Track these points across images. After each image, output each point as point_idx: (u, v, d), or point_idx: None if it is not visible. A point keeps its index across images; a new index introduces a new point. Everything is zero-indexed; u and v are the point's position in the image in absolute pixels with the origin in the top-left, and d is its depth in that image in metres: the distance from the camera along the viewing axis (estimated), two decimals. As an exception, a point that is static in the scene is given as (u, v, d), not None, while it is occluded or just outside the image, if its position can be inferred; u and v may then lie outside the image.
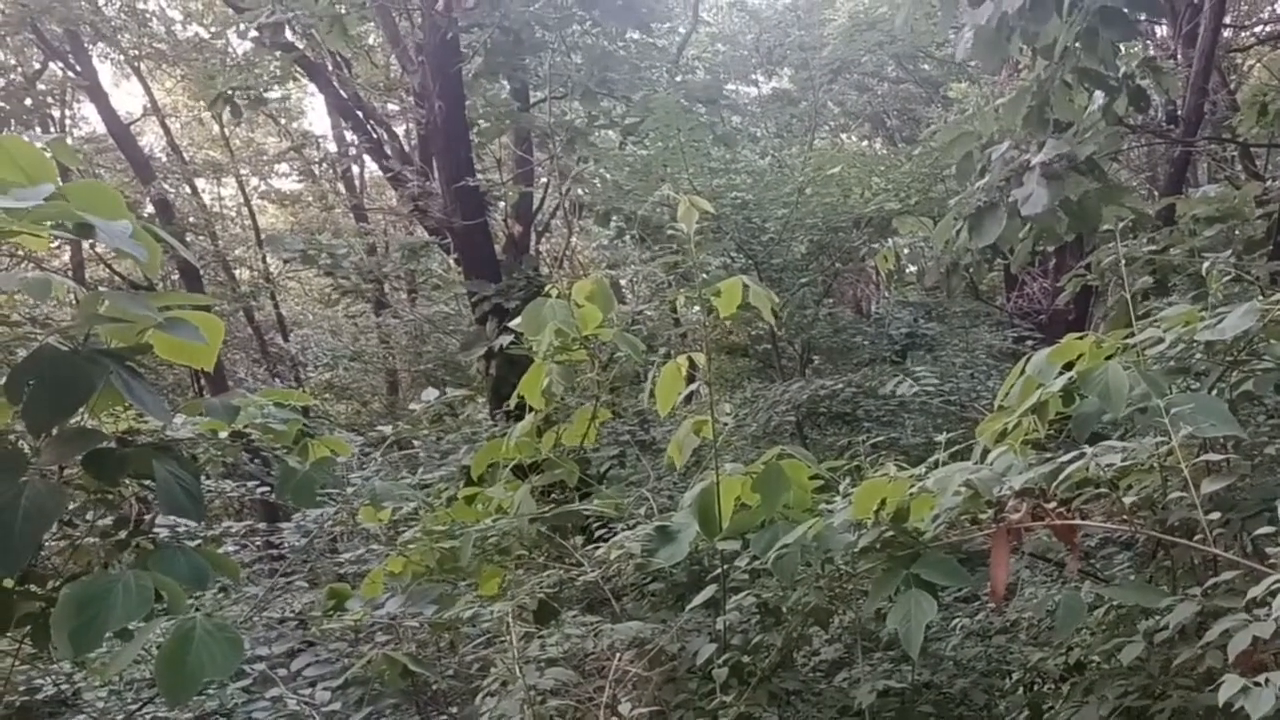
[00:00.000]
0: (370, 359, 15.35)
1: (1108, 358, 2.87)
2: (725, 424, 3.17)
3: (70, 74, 13.29)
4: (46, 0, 12.11)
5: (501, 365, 8.40)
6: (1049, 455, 2.52)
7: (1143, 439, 2.67)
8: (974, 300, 11.05)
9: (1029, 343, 9.35)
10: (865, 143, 18.41)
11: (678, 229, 2.97)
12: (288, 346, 15.80)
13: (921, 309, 10.45)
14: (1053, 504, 2.39)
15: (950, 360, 8.85)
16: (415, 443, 9.90)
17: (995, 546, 2.38)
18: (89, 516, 3.17)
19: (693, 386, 3.12)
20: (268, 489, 5.25)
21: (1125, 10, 4.95)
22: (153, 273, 3.52)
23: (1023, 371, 2.89)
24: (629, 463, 8.21)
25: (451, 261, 11.43)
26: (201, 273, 14.51)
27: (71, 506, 3.04)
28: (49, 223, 2.83)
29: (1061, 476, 2.29)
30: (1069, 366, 2.90)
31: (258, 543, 6.43)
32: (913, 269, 12.01)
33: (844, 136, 18.60)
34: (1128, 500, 2.41)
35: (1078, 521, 2.41)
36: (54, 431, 2.89)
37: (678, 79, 11.79)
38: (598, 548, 3.54)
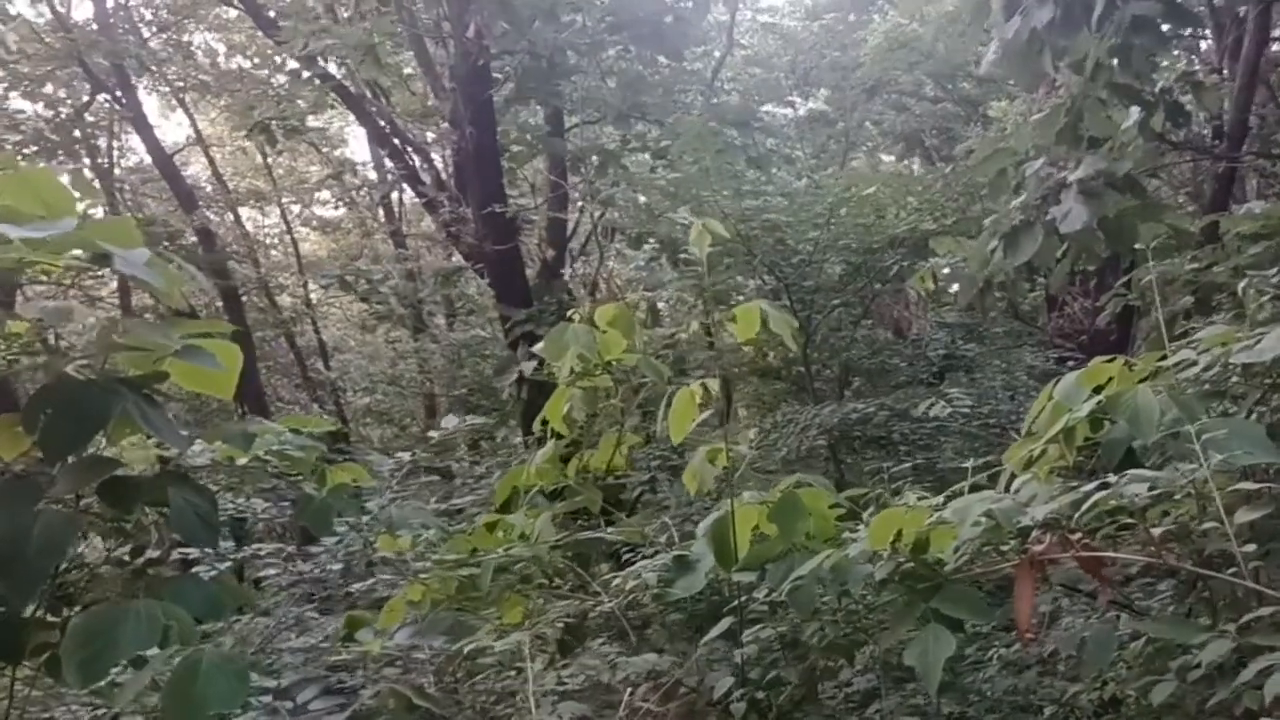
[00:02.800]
0: (408, 384, 15.44)
1: (1139, 381, 2.77)
2: (747, 453, 3.10)
3: (117, 106, 13.60)
4: (94, 35, 12.44)
5: (532, 390, 8.38)
6: (1076, 484, 2.42)
7: (1177, 466, 2.57)
8: (1014, 321, 10.85)
9: (1069, 364, 9.16)
10: (903, 163, 18.26)
11: (692, 252, 2.92)
12: (328, 372, 15.96)
13: (960, 330, 10.27)
14: (1078, 535, 2.29)
15: (989, 382, 8.68)
16: (453, 466, 9.91)
17: (1019, 579, 2.28)
18: (105, 545, 3.17)
19: (707, 413, 3.07)
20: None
21: (1158, 20, 4.84)
22: (171, 300, 3.53)
23: (1051, 395, 2.79)
24: (660, 488, 8.14)
25: (486, 286, 11.47)
26: (244, 299, 14.71)
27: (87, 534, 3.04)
28: (70, 253, 2.86)
29: (1084, 507, 2.19)
30: (1099, 390, 2.80)
31: (277, 567, 6.43)
32: (952, 289, 11.82)
33: (881, 157, 18.47)
34: (1157, 531, 2.30)
35: (1104, 553, 2.31)
36: (69, 460, 2.89)
37: (712, 102, 11.78)
38: (617, 577, 3.48)
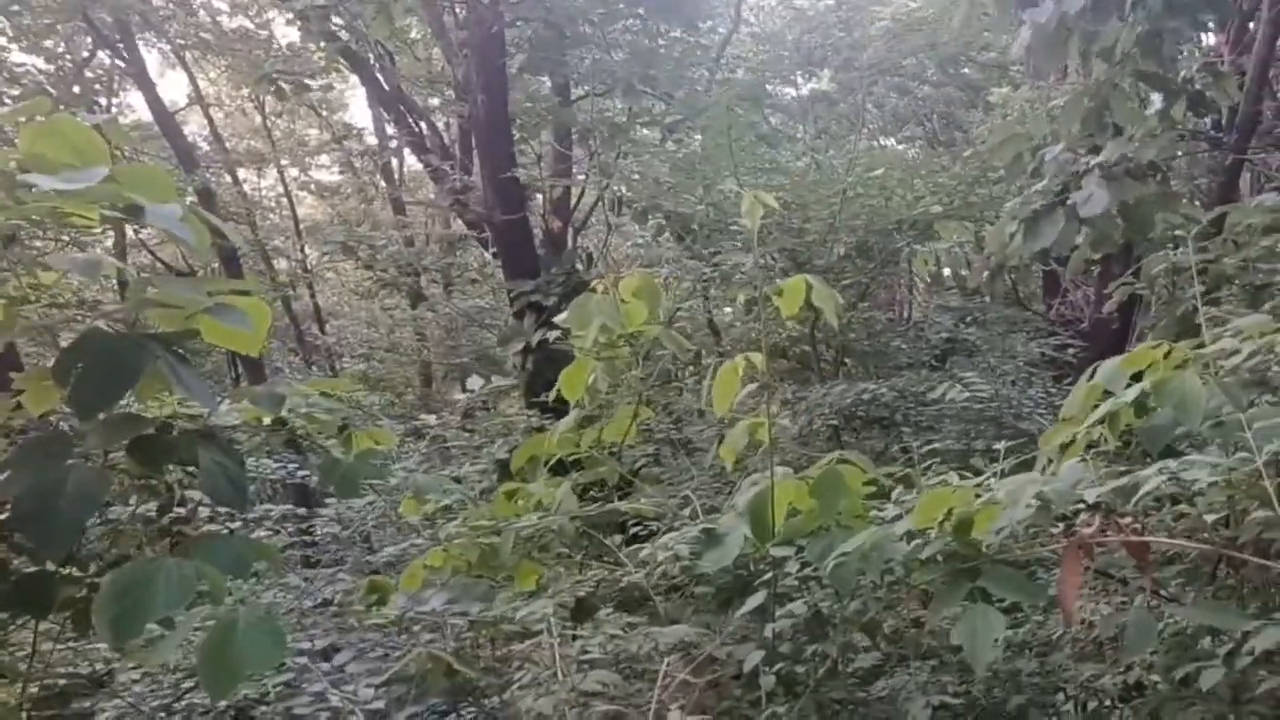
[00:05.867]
0: (405, 351, 15.38)
1: (1176, 367, 2.76)
2: (788, 426, 3.09)
3: (119, 62, 13.41)
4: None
5: (538, 360, 8.36)
6: (1122, 469, 2.41)
7: (1216, 454, 2.57)
8: (1014, 306, 10.84)
9: (1070, 351, 9.18)
10: (902, 146, 18.21)
11: (740, 224, 2.90)
12: (324, 337, 15.88)
13: (961, 313, 10.26)
14: (1128, 519, 2.30)
15: (990, 367, 8.68)
16: (447, 436, 9.90)
17: (1066, 562, 2.28)
18: (131, 502, 3.14)
19: (750, 386, 3.06)
20: (306, 473, 5.23)
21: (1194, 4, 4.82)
22: (201, 258, 3.47)
23: (1091, 378, 2.79)
24: (663, 460, 8.13)
25: (489, 256, 11.42)
26: (242, 261, 14.58)
27: (114, 491, 3.02)
28: (100, 205, 2.80)
29: (1143, 491, 2.19)
30: (1136, 377, 2.80)
31: (290, 529, 6.41)
32: (953, 273, 11.81)
33: (882, 140, 18.40)
34: (1211, 518, 2.31)
35: (1153, 538, 2.31)
36: (100, 416, 2.85)
37: (716, 78, 11.70)
38: (642, 547, 3.47)
